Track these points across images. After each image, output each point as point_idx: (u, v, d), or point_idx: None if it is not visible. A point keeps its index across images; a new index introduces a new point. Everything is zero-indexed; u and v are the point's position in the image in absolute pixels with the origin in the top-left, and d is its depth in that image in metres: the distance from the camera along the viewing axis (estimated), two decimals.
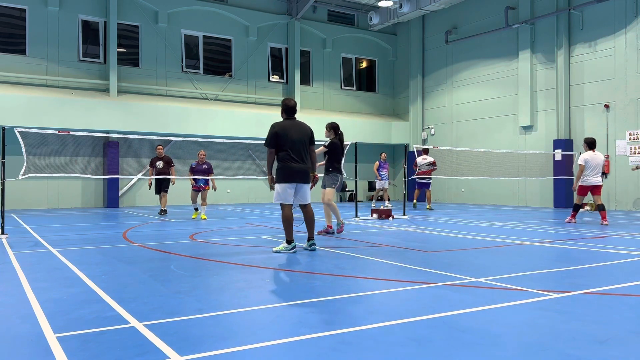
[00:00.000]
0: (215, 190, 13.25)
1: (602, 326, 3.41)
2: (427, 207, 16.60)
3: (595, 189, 10.96)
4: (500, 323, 3.51)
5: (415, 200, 17.22)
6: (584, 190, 11.08)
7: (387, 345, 3.02)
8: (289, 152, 6.67)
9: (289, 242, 6.76)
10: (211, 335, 3.22)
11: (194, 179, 12.65)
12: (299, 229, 8.21)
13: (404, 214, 13.09)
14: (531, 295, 4.30)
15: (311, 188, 7.01)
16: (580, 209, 15.98)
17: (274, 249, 6.87)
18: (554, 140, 17.53)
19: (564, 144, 17.20)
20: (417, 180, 16.75)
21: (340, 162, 8.97)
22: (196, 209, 12.98)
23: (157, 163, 13.68)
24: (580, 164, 10.97)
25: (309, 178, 6.90)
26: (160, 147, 13.95)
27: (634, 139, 15.73)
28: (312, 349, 2.98)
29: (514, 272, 5.36)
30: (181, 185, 16.73)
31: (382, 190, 17.28)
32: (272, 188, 6.93)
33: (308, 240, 6.97)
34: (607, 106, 16.39)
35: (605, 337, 3.19)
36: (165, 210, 13.84)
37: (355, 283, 4.91)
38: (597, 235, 8.83)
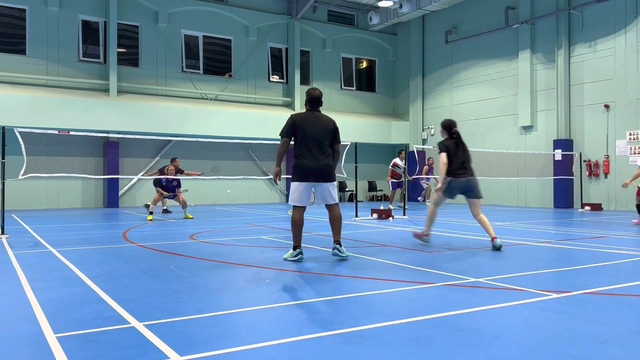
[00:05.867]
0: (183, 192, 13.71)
1: (602, 326, 3.41)
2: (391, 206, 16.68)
3: None
4: (500, 323, 3.51)
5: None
6: None
7: (387, 345, 3.02)
8: (305, 148, 6.05)
9: (294, 247, 6.14)
10: (211, 335, 3.22)
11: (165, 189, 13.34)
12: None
13: (404, 214, 13.09)
14: (531, 295, 4.30)
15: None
16: (580, 209, 16.03)
17: (284, 257, 6.23)
18: (554, 140, 17.53)
19: (564, 144, 17.20)
20: (395, 181, 17.10)
21: (454, 163, 7.31)
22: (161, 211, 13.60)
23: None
24: None
25: (330, 177, 6.17)
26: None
27: (634, 139, 15.73)
28: (312, 349, 2.98)
29: (514, 272, 5.36)
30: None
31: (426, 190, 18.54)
32: (275, 181, 6.38)
33: (334, 243, 6.19)
34: (607, 106, 16.39)
35: (605, 337, 3.19)
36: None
37: (355, 283, 4.91)
38: (597, 235, 8.83)
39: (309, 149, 6.05)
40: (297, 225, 6.13)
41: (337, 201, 6.29)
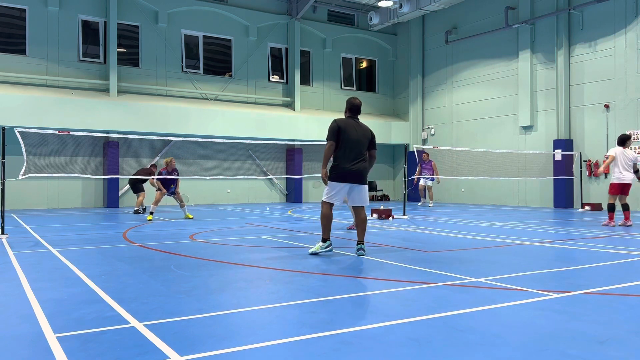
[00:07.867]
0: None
1: (602, 326, 3.41)
2: None
3: (626, 188, 10.45)
4: (500, 323, 3.51)
5: None
6: (617, 189, 10.49)
7: (387, 345, 3.02)
8: (346, 152, 6.49)
9: (324, 240, 6.56)
10: (211, 335, 3.22)
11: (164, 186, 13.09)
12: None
13: (404, 214, 13.09)
14: (531, 295, 4.30)
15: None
16: (580, 209, 16.03)
17: (310, 251, 6.59)
18: (554, 140, 17.53)
19: (564, 144, 17.20)
20: None
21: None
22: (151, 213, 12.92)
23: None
24: (610, 155, 10.38)
25: (366, 180, 6.67)
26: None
27: (634, 139, 15.72)
28: (312, 349, 2.98)
29: (514, 272, 5.36)
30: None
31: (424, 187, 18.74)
32: (325, 183, 6.68)
33: (357, 244, 6.63)
34: (607, 106, 16.39)
35: (605, 337, 3.19)
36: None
37: (355, 283, 4.90)
38: (597, 235, 8.83)
39: (350, 153, 6.50)
40: (328, 218, 6.57)
41: (367, 204, 6.76)
